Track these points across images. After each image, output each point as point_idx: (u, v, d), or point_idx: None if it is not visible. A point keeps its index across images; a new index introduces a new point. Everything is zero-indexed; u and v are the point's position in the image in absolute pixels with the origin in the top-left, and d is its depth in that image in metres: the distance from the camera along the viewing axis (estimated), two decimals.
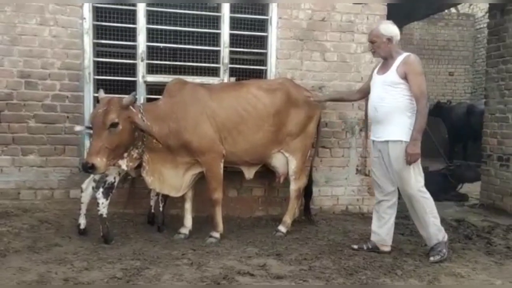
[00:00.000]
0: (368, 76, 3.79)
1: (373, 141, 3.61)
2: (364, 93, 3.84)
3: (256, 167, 4.15)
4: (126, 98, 3.41)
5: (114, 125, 3.32)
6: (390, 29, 3.44)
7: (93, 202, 3.75)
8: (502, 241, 4.08)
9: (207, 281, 2.90)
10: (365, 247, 3.63)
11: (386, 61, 3.51)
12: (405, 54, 3.43)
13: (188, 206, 3.97)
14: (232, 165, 4.01)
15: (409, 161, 3.32)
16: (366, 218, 4.71)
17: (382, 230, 3.62)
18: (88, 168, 3.27)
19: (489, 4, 5.70)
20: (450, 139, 10.11)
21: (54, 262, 3.15)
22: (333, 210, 4.82)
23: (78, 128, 3.96)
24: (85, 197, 3.79)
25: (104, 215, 3.64)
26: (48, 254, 3.32)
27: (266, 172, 4.36)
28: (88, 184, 3.79)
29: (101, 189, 3.66)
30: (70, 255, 3.31)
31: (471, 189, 6.39)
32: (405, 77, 3.34)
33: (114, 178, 3.71)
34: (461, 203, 5.89)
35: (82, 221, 3.80)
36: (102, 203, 3.63)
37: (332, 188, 4.83)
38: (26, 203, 4.28)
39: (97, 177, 3.72)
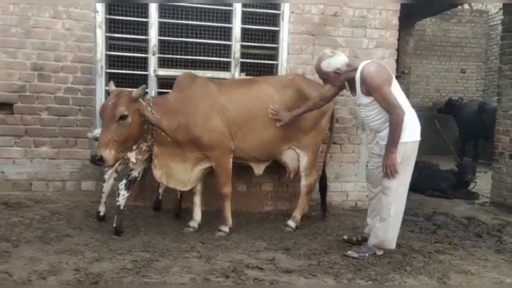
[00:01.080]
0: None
1: (378, 141, 3.51)
2: (328, 101, 3.81)
3: (265, 163, 4.15)
4: (135, 91, 3.42)
5: (123, 117, 3.34)
6: (332, 62, 3.29)
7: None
8: None
9: (216, 274, 2.91)
10: (354, 239, 3.65)
11: (350, 81, 3.39)
12: (359, 69, 3.26)
13: (197, 199, 3.98)
14: (241, 161, 4.01)
15: (387, 173, 3.22)
16: None
17: (373, 223, 3.57)
18: (97, 160, 3.29)
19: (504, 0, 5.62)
20: (461, 137, 10.03)
21: (65, 252, 3.19)
22: (342, 206, 4.82)
23: (90, 135, 4.05)
24: (107, 187, 3.91)
25: (122, 207, 3.67)
26: (59, 244, 3.36)
27: (276, 167, 4.36)
28: (110, 175, 3.89)
29: (124, 181, 3.70)
30: (81, 246, 3.34)
31: (482, 187, 6.34)
32: (371, 94, 3.25)
33: (139, 173, 3.75)
34: (472, 201, 5.85)
35: (102, 209, 3.92)
36: (123, 194, 3.67)
37: (341, 184, 4.82)
38: (38, 194, 4.33)
39: (119, 168, 3.80)
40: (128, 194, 3.71)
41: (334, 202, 4.79)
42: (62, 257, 3.11)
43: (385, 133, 3.30)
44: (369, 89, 3.23)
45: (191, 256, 3.25)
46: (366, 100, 3.30)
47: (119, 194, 3.67)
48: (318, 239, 3.81)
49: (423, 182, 6.20)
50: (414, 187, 6.12)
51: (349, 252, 3.39)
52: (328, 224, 4.26)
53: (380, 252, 3.42)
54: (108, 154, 3.28)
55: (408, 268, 3.17)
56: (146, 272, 2.90)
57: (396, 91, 3.28)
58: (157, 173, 3.71)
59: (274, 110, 3.86)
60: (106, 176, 3.91)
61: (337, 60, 3.29)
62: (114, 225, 3.64)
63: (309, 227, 4.12)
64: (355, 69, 3.30)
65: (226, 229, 3.85)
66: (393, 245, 3.41)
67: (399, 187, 3.30)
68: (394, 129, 3.18)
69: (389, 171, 3.22)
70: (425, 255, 3.47)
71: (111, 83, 3.67)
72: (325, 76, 3.38)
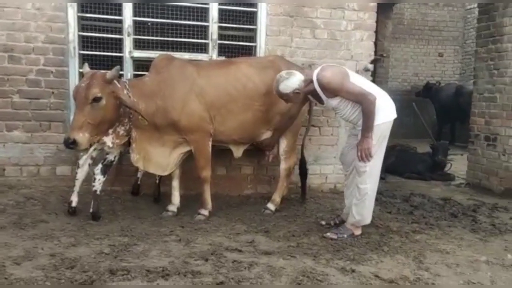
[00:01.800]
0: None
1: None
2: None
3: (245, 145, 4.12)
4: (109, 72, 3.33)
5: (97, 99, 3.25)
6: (289, 84, 3.34)
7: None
8: (487, 219, 4.14)
9: (195, 257, 2.90)
10: (332, 223, 3.68)
11: (311, 92, 3.45)
12: (314, 79, 3.32)
13: (175, 183, 3.94)
14: (220, 144, 3.98)
15: (361, 156, 3.26)
16: None
17: (348, 202, 3.62)
18: (70, 144, 3.20)
19: None
20: (438, 120, 10.18)
21: (41, 238, 3.13)
22: (321, 189, 4.84)
23: None
24: (81, 174, 3.69)
25: (98, 192, 3.60)
26: (34, 230, 3.29)
27: (255, 151, 4.34)
28: (85, 161, 3.70)
29: (100, 165, 3.62)
30: (57, 231, 3.29)
31: (458, 168, 6.47)
32: (336, 95, 3.31)
33: (115, 157, 3.68)
34: (448, 182, 5.96)
35: (74, 199, 3.68)
36: (99, 179, 3.60)
37: (320, 167, 4.84)
38: (11, 180, 4.23)
39: (94, 153, 3.68)
40: (104, 178, 3.64)
41: (313, 184, 4.81)
42: (37, 242, 3.05)
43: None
44: (334, 92, 3.30)
45: (170, 239, 3.23)
46: (335, 102, 3.36)
47: (95, 179, 3.60)
48: (297, 221, 3.83)
49: (401, 165, 6.30)
50: (392, 169, 6.25)
51: (327, 234, 3.42)
52: (307, 207, 4.28)
53: (358, 232, 3.45)
54: (82, 137, 3.20)
55: (385, 248, 3.22)
56: (124, 256, 2.87)
57: (358, 80, 3.36)
58: (135, 157, 3.65)
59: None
60: (80, 162, 3.70)
61: (293, 81, 3.35)
62: (91, 210, 3.58)
63: (288, 210, 4.13)
64: (312, 81, 3.36)
65: (205, 212, 3.83)
66: (369, 220, 3.49)
67: (373, 168, 3.35)
68: (368, 115, 3.23)
69: (364, 155, 3.26)
70: (402, 235, 3.53)
71: (86, 65, 3.57)
72: (285, 97, 3.44)
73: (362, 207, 3.40)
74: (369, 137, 3.25)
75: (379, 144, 3.32)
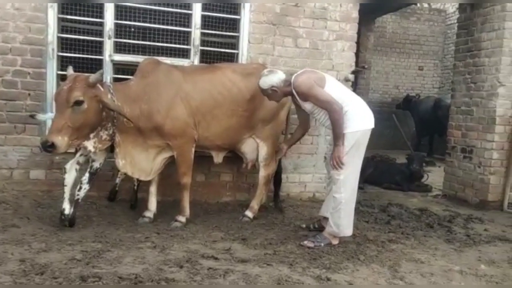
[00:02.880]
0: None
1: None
2: (306, 122, 3.88)
3: (225, 151, 4.11)
4: (93, 75, 3.28)
5: (78, 103, 3.19)
6: (267, 81, 3.51)
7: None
8: (462, 229, 4.20)
9: (170, 264, 2.85)
10: (311, 227, 3.78)
11: (289, 94, 3.57)
12: (292, 83, 3.45)
13: (153, 189, 3.89)
14: (203, 149, 3.95)
15: (333, 165, 3.33)
16: None
17: (325, 208, 3.66)
18: (48, 147, 3.12)
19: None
20: (417, 132, 10.33)
21: (11, 243, 3.05)
22: (300, 197, 4.84)
23: (40, 116, 3.85)
24: (69, 179, 3.53)
25: (80, 200, 3.53)
26: (4, 234, 3.21)
27: (235, 158, 4.32)
28: (71, 166, 3.56)
29: (87, 174, 3.53)
30: (28, 236, 3.20)
31: (435, 180, 6.55)
32: (307, 99, 3.43)
33: (100, 163, 3.59)
34: (425, 193, 6.03)
35: (67, 206, 3.48)
36: (84, 188, 3.52)
37: (300, 175, 4.85)
38: None
39: (81, 159, 3.58)
40: (89, 187, 3.56)
41: (292, 193, 4.81)
42: (7, 247, 2.97)
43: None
44: (306, 98, 3.41)
45: (145, 246, 3.18)
46: (309, 106, 3.47)
47: (80, 187, 3.51)
48: (275, 229, 3.81)
49: (379, 175, 6.36)
50: (371, 180, 6.30)
51: (305, 242, 3.41)
52: (285, 215, 4.27)
53: (335, 241, 3.45)
54: (61, 140, 3.13)
55: (362, 256, 3.23)
56: (97, 263, 2.81)
57: (333, 88, 3.44)
58: (120, 162, 3.58)
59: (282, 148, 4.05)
60: (67, 167, 3.55)
61: (271, 79, 3.50)
62: (66, 213, 3.48)
63: (266, 218, 4.12)
64: (290, 84, 3.47)
65: (183, 219, 3.78)
66: (349, 233, 3.47)
67: (348, 176, 3.37)
68: (335, 123, 3.31)
69: (335, 163, 3.32)
70: (379, 245, 3.54)
71: (70, 68, 3.50)
72: (264, 93, 3.60)
73: (337, 217, 3.40)
74: (339, 145, 3.31)
75: (353, 152, 3.35)
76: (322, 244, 3.40)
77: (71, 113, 3.18)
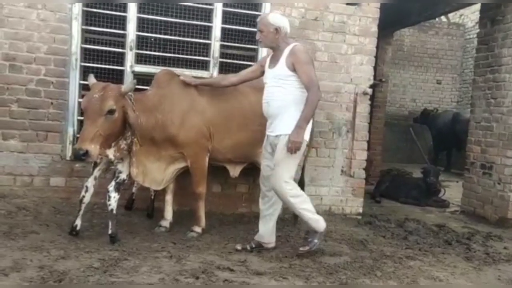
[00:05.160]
0: (264, 68, 3.53)
1: (267, 135, 3.49)
2: (242, 80, 3.69)
3: (241, 165, 4.11)
4: (125, 85, 3.34)
5: (111, 112, 3.23)
6: (279, 19, 3.36)
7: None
8: (481, 247, 4.12)
9: (186, 275, 2.86)
10: (248, 247, 3.50)
11: (275, 53, 3.43)
12: (292, 45, 3.34)
13: (169, 198, 3.92)
14: (215, 162, 3.96)
15: (291, 148, 3.18)
16: (348, 219, 4.74)
17: (267, 228, 3.56)
18: (82, 155, 3.13)
19: (480, 13, 5.75)
20: (434, 146, 10.22)
21: (30, 249, 3.09)
22: (316, 210, 4.79)
23: None
24: (88, 197, 3.52)
25: (114, 211, 3.44)
26: (24, 241, 3.25)
27: (251, 169, 4.32)
28: (91, 183, 3.54)
29: (113, 183, 3.49)
30: (47, 243, 3.25)
31: (453, 195, 6.46)
32: (294, 69, 3.27)
33: (127, 175, 3.56)
34: (443, 209, 5.95)
35: (79, 222, 3.49)
36: (114, 197, 3.44)
37: (316, 188, 4.82)
38: (4, 189, 4.18)
39: (97, 174, 3.58)
40: (118, 196, 3.49)
41: None
42: (26, 253, 3.01)
43: (281, 121, 3.31)
44: (295, 62, 3.26)
45: (161, 256, 3.20)
46: (287, 72, 3.29)
47: (109, 197, 3.44)
48: (290, 242, 3.80)
49: (396, 189, 6.30)
50: (387, 194, 6.25)
51: (300, 249, 3.39)
52: (301, 227, 4.24)
53: (322, 229, 3.46)
54: (94, 148, 3.16)
55: (378, 272, 3.19)
56: (114, 271, 2.83)
57: None
58: (134, 171, 3.61)
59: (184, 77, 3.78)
60: (88, 185, 3.52)
61: (283, 22, 3.36)
62: (110, 231, 3.39)
63: (282, 230, 4.10)
64: (288, 44, 3.36)
65: (198, 229, 3.80)
66: (321, 227, 3.45)
67: (285, 181, 3.30)
68: (310, 105, 3.21)
69: (294, 148, 3.19)
70: (396, 261, 3.50)
71: (91, 76, 3.54)
72: (264, 28, 3.35)
73: (303, 216, 3.42)
74: (303, 129, 3.21)
75: (299, 157, 3.34)
76: (316, 240, 3.39)
77: (103, 122, 3.21)
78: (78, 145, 3.19)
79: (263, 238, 3.56)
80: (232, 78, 3.74)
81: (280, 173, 3.29)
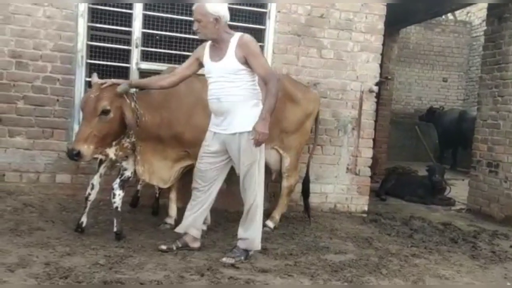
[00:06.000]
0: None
1: (215, 132, 3.24)
2: (182, 78, 3.36)
3: None
4: (120, 86, 3.27)
5: (105, 112, 3.20)
6: (217, 8, 3.06)
7: None
8: (487, 246, 4.10)
9: (191, 272, 2.87)
10: (174, 247, 3.29)
11: (217, 45, 3.14)
12: (237, 36, 3.10)
13: (173, 195, 3.93)
14: None
15: (257, 140, 2.98)
16: (353, 217, 4.73)
17: (196, 223, 3.38)
18: (74, 155, 3.14)
19: (488, 11, 5.71)
20: (440, 144, 10.17)
21: (36, 245, 3.10)
22: (321, 208, 4.81)
23: None
24: (93, 195, 3.52)
25: (119, 209, 3.43)
26: (30, 237, 3.26)
27: None
28: (97, 181, 3.53)
29: (118, 180, 3.48)
30: (52, 239, 3.26)
31: (459, 194, 6.43)
32: (245, 62, 3.05)
33: (131, 172, 3.55)
34: (448, 207, 5.92)
35: (85, 219, 3.49)
36: (119, 194, 3.43)
37: (321, 186, 4.81)
38: (10, 186, 4.21)
39: (103, 171, 3.57)
40: (123, 193, 3.48)
41: (313, 203, 4.76)
42: (32, 250, 3.02)
43: (236, 118, 3.10)
44: (247, 55, 3.03)
45: (166, 253, 3.19)
46: (237, 66, 3.06)
47: (114, 194, 3.44)
48: (295, 239, 3.79)
49: (401, 187, 6.28)
50: (392, 192, 6.23)
51: (223, 259, 3.13)
52: (306, 225, 4.24)
53: (254, 250, 3.25)
54: (87, 149, 3.14)
55: (384, 270, 3.18)
56: (119, 268, 2.84)
57: None
58: (140, 169, 3.60)
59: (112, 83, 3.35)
60: (94, 182, 3.51)
61: (222, 11, 3.09)
62: (115, 229, 3.39)
63: (287, 228, 4.10)
64: (231, 34, 3.13)
65: (203, 227, 3.79)
66: (255, 247, 3.25)
67: (260, 185, 3.19)
68: (273, 95, 2.99)
69: (262, 139, 3.00)
70: (401, 259, 3.49)
71: (94, 74, 3.49)
72: (203, 18, 3.05)
73: (253, 228, 3.23)
74: (267, 120, 2.98)
75: (253, 150, 3.09)
76: (242, 258, 3.15)
77: (97, 122, 3.19)
78: (72, 145, 3.19)
79: (189, 231, 3.34)
80: (171, 78, 3.36)
81: (257, 173, 3.16)
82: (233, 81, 3.09)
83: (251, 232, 3.22)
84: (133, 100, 3.40)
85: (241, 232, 3.25)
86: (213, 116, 3.27)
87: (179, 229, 3.41)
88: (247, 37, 3.12)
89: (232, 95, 3.09)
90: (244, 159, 3.15)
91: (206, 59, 3.21)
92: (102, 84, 3.27)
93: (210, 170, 3.31)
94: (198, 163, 3.35)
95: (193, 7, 3.13)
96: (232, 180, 4.58)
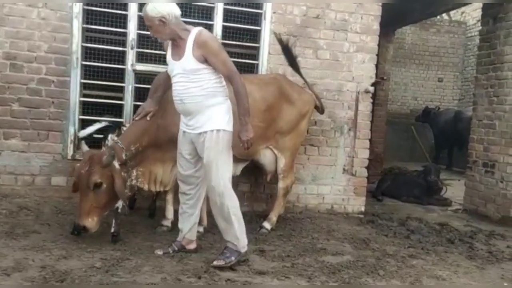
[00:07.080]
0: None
1: (184, 131, 3.19)
2: (166, 86, 3.33)
3: (243, 163, 4.10)
4: (104, 158, 3.18)
5: (98, 185, 3.20)
6: (158, 9, 2.90)
7: None
8: (484, 246, 4.11)
9: (188, 274, 2.86)
10: (171, 251, 3.26)
11: (176, 43, 3.04)
12: (194, 33, 2.96)
13: (169, 197, 3.91)
14: None
15: (246, 147, 3.05)
16: (350, 218, 4.73)
17: (187, 224, 3.34)
18: (81, 230, 3.23)
19: (482, 11, 5.73)
20: (436, 145, 10.20)
21: (32, 249, 3.08)
22: (318, 209, 4.81)
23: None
24: None
25: (120, 210, 3.44)
26: (26, 240, 3.24)
27: (253, 168, 4.31)
28: None
29: None
30: (48, 242, 3.24)
31: (455, 194, 6.45)
32: (205, 60, 2.95)
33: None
34: (445, 207, 5.94)
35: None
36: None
37: (318, 187, 4.81)
38: (5, 189, 4.18)
39: None
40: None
41: (310, 204, 4.78)
42: (28, 253, 3.00)
43: (202, 118, 3.03)
44: (206, 54, 2.94)
45: (163, 255, 3.18)
46: (195, 65, 2.95)
47: None
48: (292, 241, 3.79)
49: (397, 188, 6.28)
50: (389, 193, 6.23)
51: (214, 262, 3.04)
52: (303, 227, 4.24)
53: (244, 250, 3.17)
54: (91, 222, 3.21)
55: (381, 272, 3.18)
56: (116, 271, 2.82)
57: None
58: (146, 187, 3.65)
59: None
60: None
61: (165, 9, 2.91)
62: (112, 230, 3.41)
63: (284, 229, 4.09)
64: (188, 31, 3.00)
65: (200, 229, 3.78)
66: (241, 247, 3.13)
67: (224, 182, 3.06)
68: (243, 95, 2.96)
69: (249, 145, 3.03)
70: (398, 260, 3.49)
71: (83, 144, 3.45)
72: (149, 23, 2.96)
73: (233, 229, 3.12)
74: (248, 123, 2.97)
75: (224, 151, 3.05)
76: (233, 258, 3.05)
77: (94, 195, 3.21)
78: (77, 221, 3.25)
79: (183, 237, 3.33)
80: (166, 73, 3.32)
81: (221, 171, 3.04)
82: (194, 81, 2.99)
83: (231, 235, 3.11)
84: (123, 151, 3.31)
85: (224, 235, 3.17)
86: (183, 117, 3.19)
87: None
88: (204, 34, 2.99)
89: (195, 96, 3.00)
90: (205, 158, 3.05)
91: (168, 57, 3.14)
92: (92, 154, 3.26)
93: (190, 173, 3.26)
94: (178, 167, 3.32)
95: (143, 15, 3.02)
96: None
